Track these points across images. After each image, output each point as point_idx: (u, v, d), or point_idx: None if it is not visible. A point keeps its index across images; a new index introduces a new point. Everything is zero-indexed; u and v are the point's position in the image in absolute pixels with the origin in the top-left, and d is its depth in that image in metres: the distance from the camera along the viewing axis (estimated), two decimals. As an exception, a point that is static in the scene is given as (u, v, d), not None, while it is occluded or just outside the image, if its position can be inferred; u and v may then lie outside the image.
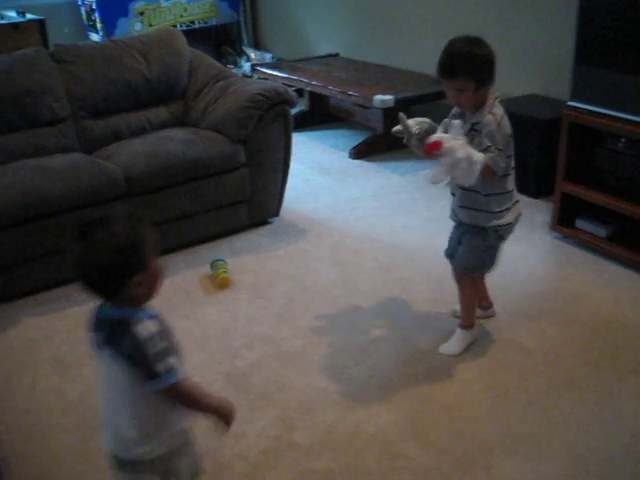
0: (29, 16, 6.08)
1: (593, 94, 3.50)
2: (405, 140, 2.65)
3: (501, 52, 2.58)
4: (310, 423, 2.56)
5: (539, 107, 4.44)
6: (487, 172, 2.52)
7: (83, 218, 1.66)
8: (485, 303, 3.13)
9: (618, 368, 2.81)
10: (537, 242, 3.85)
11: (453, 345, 2.94)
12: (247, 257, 3.81)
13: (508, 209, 2.70)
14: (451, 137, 2.48)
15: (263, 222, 4.19)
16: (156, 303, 3.44)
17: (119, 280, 1.62)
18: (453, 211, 2.86)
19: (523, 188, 4.10)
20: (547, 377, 2.76)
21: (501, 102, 2.62)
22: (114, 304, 1.68)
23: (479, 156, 2.47)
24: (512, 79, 4.58)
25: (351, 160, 5.24)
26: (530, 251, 3.75)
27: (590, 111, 3.52)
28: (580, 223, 3.76)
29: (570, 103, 3.61)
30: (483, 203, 2.67)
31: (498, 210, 2.68)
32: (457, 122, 2.55)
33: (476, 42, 2.52)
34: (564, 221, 3.81)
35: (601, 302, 3.27)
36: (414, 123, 2.63)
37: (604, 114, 3.46)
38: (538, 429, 2.49)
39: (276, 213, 4.22)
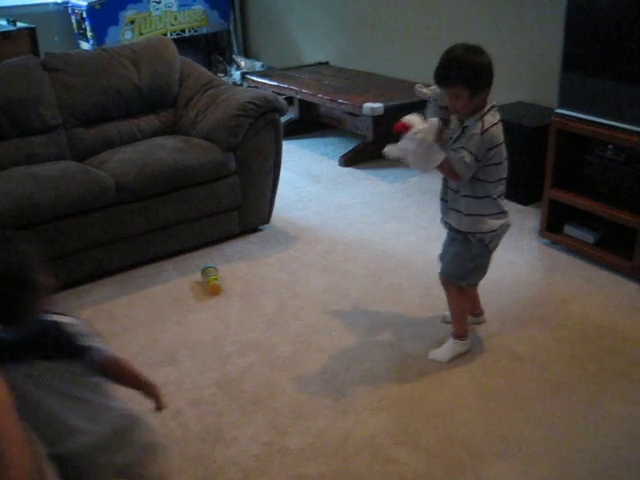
0: (20, 24, 6.09)
1: (580, 101, 3.53)
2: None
3: (489, 60, 2.61)
4: (301, 428, 2.57)
5: (527, 114, 4.47)
6: (448, 171, 2.56)
7: None
8: (476, 311, 3.15)
9: (606, 372, 2.83)
10: (526, 248, 3.88)
11: (442, 352, 2.95)
12: (238, 264, 3.82)
13: (491, 215, 2.68)
14: (422, 122, 2.53)
15: (254, 229, 4.21)
16: (147, 310, 3.47)
17: (14, 303, 1.67)
18: (442, 215, 2.87)
19: (512, 195, 4.13)
20: (536, 382, 2.79)
21: (497, 105, 2.63)
22: (7, 327, 1.72)
23: (440, 154, 2.52)
24: (500, 87, 4.58)
25: (341, 168, 5.26)
26: (519, 257, 3.78)
27: (578, 118, 3.55)
28: (568, 229, 3.79)
29: (558, 110, 3.65)
30: (462, 204, 2.68)
31: (480, 214, 2.67)
32: (433, 120, 2.59)
33: (473, 50, 2.53)
34: (552, 227, 3.85)
35: (589, 307, 3.29)
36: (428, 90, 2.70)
37: (592, 121, 3.49)
38: (527, 433, 2.51)
39: (266, 220, 4.24)
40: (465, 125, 2.59)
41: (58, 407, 1.75)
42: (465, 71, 2.49)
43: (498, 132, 2.58)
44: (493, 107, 2.60)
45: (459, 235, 2.77)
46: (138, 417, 1.92)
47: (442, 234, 2.96)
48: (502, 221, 2.73)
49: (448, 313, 3.12)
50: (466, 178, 2.59)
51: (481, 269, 2.85)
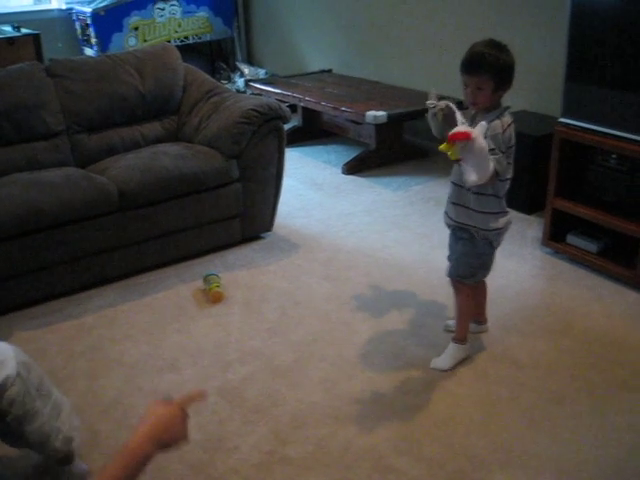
0: (24, 31, 6.11)
1: (584, 111, 3.53)
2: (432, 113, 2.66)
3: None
4: (302, 437, 2.56)
5: (531, 124, 4.47)
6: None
7: None
8: (481, 319, 3.15)
9: (609, 382, 2.82)
10: (528, 257, 3.87)
11: (444, 360, 2.95)
12: (240, 272, 3.82)
13: (497, 214, 2.72)
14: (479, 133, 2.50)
15: (256, 237, 4.20)
16: (149, 317, 3.47)
17: None
18: (446, 213, 2.87)
19: (515, 204, 4.13)
20: (538, 391, 2.78)
21: (510, 107, 2.68)
22: None
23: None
24: (504, 95, 4.63)
25: (344, 175, 5.26)
26: (521, 266, 3.77)
27: (581, 128, 3.55)
28: (571, 238, 3.78)
29: (561, 120, 3.64)
30: (471, 201, 2.69)
31: (488, 211, 2.70)
32: (483, 123, 2.58)
33: (502, 47, 2.61)
34: (555, 236, 3.84)
35: (592, 317, 3.29)
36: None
37: (595, 131, 3.49)
38: (530, 443, 2.50)
39: (269, 228, 4.23)
40: (482, 123, 2.60)
41: None
42: (495, 63, 2.55)
43: (513, 133, 2.64)
44: (508, 108, 2.66)
45: (464, 234, 2.79)
46: None
47: (444, 242, 2.95)
48: (505, 219, 2.77)
49: (450, 322, 3.12)
50: (501, 178, 2.63)
51: (486, 266, 2.88)
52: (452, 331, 3.06)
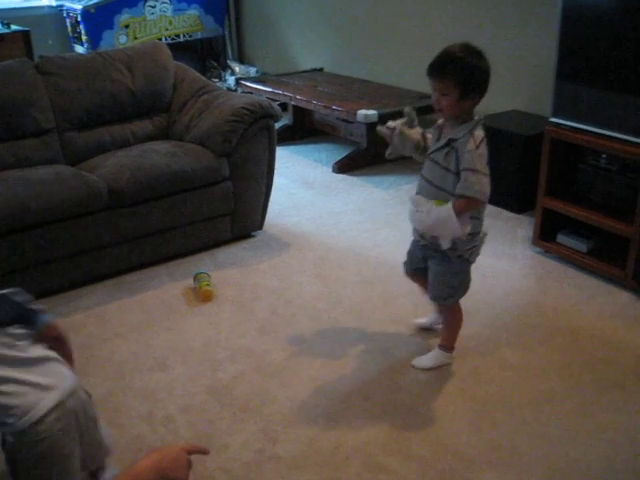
0: (14, 27, 6.08)
1: (574, 111, 3.54)
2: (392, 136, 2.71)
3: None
4: (292, 436, 2.56)
5: (521, 123, 4.47)
6: (465, 204, 2.48)
7: None
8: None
9: (599, 382, 2.83)
10: (519, 257, 3.88)
11: (426, 360, 2.93)
12: (230, 270, 3.81)
13: (473, 233, 2.60)
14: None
15: (246, 235, 4.20)
16: (139, 315, 3.45)
17: None
18: (416, 230, 2.76)
19: (505, 203, 4.14)
20: (528, 390, 2.78)
21: (484, 119, 2.55)
22: None
23: (445, 206, 2.49)
24: (494, 95, 4.62)
25: (334, 174, 5.26)
26: (512, 266, 3.78)
27: (571, 127, 3.56)
28: (561, 238, 3.79)
29: (552, 119, 3.65)
30: None
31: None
32: (417, 198, 2.64)
33: (474, 51, 2.43)
34: (545, 236, 3.84)
35: (582, 316, 3.29)
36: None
37: (585, 130, 3.50)
38: (519, 441, 2.50)
39: (259, 227, 4.23)
40: (453, 138, 2.49)
41: None
42: (459, 68, 2.40)
43: (486, 148, 2.49)
44: (481, 120, 2.51)
45: (437, 253, 2.70)
46: None
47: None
48: (481, 235, 2.69)
49: (422, 320, 3.15)
50: (488, 196, 2.49)
51: (465, 284, 2.79)
52: (424, 329, 3.12)
